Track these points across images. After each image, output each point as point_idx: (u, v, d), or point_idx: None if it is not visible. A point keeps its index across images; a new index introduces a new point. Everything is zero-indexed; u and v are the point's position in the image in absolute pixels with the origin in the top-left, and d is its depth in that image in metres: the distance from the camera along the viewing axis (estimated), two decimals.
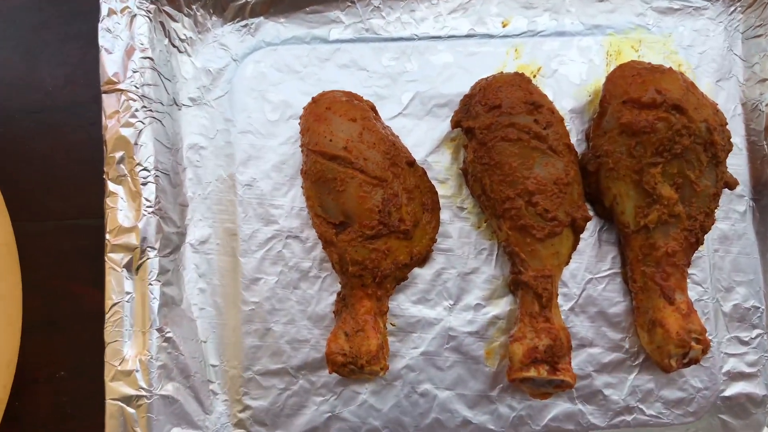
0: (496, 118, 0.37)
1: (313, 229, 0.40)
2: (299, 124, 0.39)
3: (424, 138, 0.41)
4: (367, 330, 0.37)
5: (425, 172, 0.40)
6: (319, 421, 0.39)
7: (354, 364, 0.36)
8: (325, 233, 0.37)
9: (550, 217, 0.37)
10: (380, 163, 0.36)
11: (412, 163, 0.38)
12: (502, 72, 0.40)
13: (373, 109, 0.39)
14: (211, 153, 0.41)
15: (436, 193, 0.40)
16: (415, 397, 0.39)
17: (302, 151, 0.38)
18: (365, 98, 0.40)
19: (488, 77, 0.39)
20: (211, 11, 0.41)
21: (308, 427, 0.39)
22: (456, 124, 0.39)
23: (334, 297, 0.40)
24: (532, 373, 0.36)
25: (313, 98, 0.39)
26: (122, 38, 0.38)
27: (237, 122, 0.41)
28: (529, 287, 0.37)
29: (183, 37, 0.41)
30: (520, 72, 0.40)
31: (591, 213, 0.40)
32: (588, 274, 0.41)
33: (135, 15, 0.39)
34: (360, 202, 0.36)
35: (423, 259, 0.40)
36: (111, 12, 0.39)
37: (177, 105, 0.41)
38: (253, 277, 0.40)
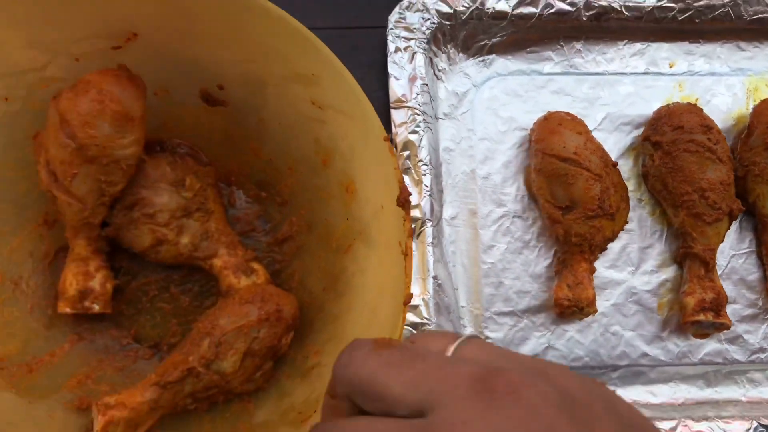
0: (680, 135, 0.52)
1: (531, 211, 0.55)
2: (529, 134, 0.54)
3: (613, 148, 0.56)
4: (585, 283, 0.52)
5: (620, 173, 0.55)
6: (539, 350, 0.54)
7: (576, 306, 0.51)
8: (553, 214, 0.52)
9: (717, 207, 0.52)
10: (599, 164, 0.51)
11: (615, 165, 0.53)
12: (678, 102, 0.55)
13: (585, 125, 0.54)
14: (458, 154, 0.56)
15: (627, 188, 0.55)
16: (608, 335, 0.54)
17: (535, 154, 0.53)
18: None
19: (670, 105, 0.54)
20: (459, 49, 0.56)
21: (531, 353, 0.54)
22: (646, 138, 0.54)
23: (548, 261, 0.55)
24: (701, 317, 0.51)
25: (545, 116, 0.53)
26: (406, 69, 0.53)
27: (476, 131, 0.56)
28: (698, 257, 0.52)
29: (440, 68, 0.56)
30: (693, 103, 0.55)
31: None
32: (732, 250, 0.56)
33: (415, 52, 0.54)
34: (585, 191, 0.51)
35: (616, 236, 0.55)
36: (397, 49, 0.54)
37: (436, 118, 0.56)
38: (489, 244, 0.55)
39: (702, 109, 0.53)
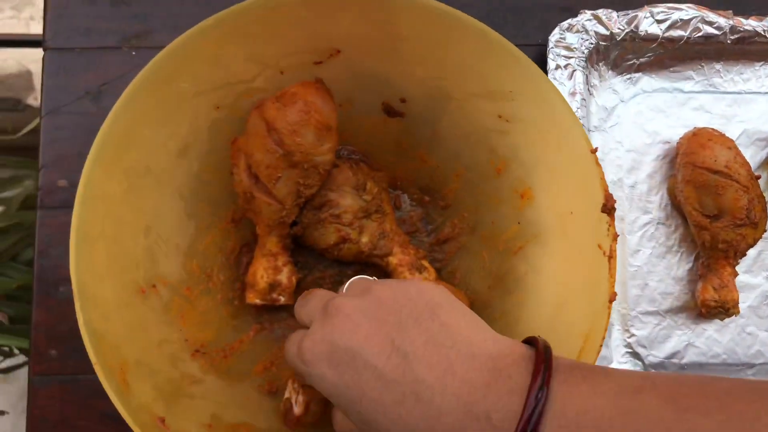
0: None
1: (674, 219, 0.60)
2: (677, 147, 0.59)
3: (749, 161, 0.60)
4: (730, 286, 0.56)
5: (759, 185, 0.59)
6: (680, 347, 0.58)
7: (722, 308, 0.56)
8: (701, 222, 0.57)
9: None
10: (746, 177, 0.55)
11: (758, 177, 0.58)
12: None
13: (732, 141, 0.59)
14: (607, 163, 0.60)
15: (766, 200, 0.59)
16: (744, 335, 0.59)
17: (684, 165, 0.57)
18: None
19: None
20: (610, 67, 0.61)
21: (673, 350, 0.58)
22: None
23: (689, 265, 0.59)
24: None
25: (693, 132, 0.58)
26: (566, 84, 0.58)
27: (624, 143, 0.61)
28: None
29: (593, 84, 0.60)
30: None
31: None
32: None
33: (575, 70, 0.58)
34: (734, 202, 0.55)
35: (756, 243, 0.59)
36: (558, 67, 0.58)
37: (588, 131, 0.60)
38: (635, 248, 0.59)
39: None
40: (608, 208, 0.44)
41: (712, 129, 0.58)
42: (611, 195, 0.44)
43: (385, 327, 0.34)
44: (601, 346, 0.43)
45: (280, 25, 0.48)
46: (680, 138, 0.59)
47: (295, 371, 0.41)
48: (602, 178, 0.45)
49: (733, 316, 0.57)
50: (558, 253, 0.50)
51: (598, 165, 0.45)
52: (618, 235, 0.44)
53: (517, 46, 0.62)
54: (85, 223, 0.44)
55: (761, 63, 0.62)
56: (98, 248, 0.45)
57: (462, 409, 0.30)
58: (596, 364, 0.55)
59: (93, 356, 0.42)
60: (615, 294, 0.43)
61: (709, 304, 0.56)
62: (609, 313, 0.43)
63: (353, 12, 0.48)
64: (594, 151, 0.45)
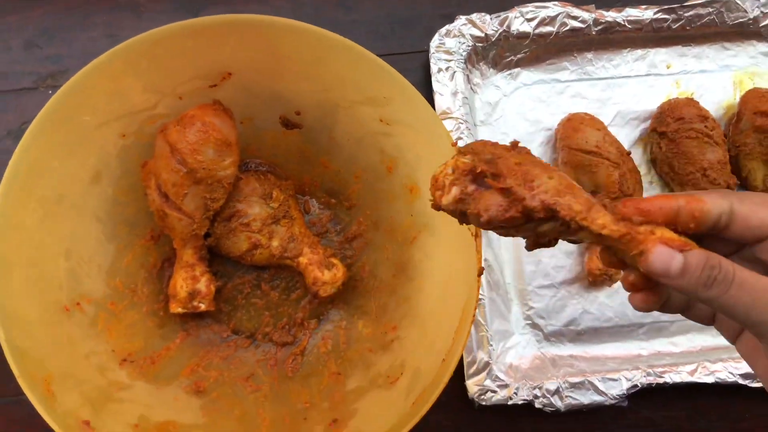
0: (681, 125, 0.62)
1: None
2: (555, 133, 0.64)
3: (624, 140, 0.66)
4: None
5: (633, 160, 0.65)
6: (576, 314, 0.64)
7: (606, 275, 0.61)
8: None
9: (716, 183, 0.62)
10: (616, 154, 0.61)
11: (628, 154, 0.63)
12: (679, 97, 0.65)
13: (602, 123, 0.65)
14: None
15: (640, 173, 0.65)
16: None
17: (561, 149, 0.63)
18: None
19: (671, 100, 0.64)
20: (490, 65, 0.66)
21: (569, 318, 0.63)
22: (653, 129, 0.65)
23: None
24: None
25: (568, 117, 0.63)
26: (448, 86, 0.63)
27: (510, 133, 0.66)
28: None
29: (475, 83, 0.66)
30: (689, 97, 0.65)
31: None
32: None
33: (455, 71, 0.64)
34: (607, 177, 0.60)
35: None
36: (440, 70, 0.63)
37: (475, 125, 0.65)
38: None
39: (698, 102, 0.64)
40: None
41: (584, 113, 0.64)
42: None
43: None
44: (474, 314, 0.48)
45: (169, 56, 0.53)
46: (558, 124, 0.64)
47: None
48: None
49: (617, 282, 0.63)
50: (444, 239, 0.55)
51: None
52: None
53: (404, 54, 0.68)
54: (1, 251, 0.49)
55: (628, 50, 0.68)
56: (16, 273, 0.50)
57: None
58: (497, 338, 0.61)
59: (15, 370, 0.46)
60: (482, 268, 0.49)
61: (594, 273, 0.62)
62: (479, 285, 0.48)
63: (236, 39, 0.53)
64: (455, 144, 0.50)
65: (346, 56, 0.53)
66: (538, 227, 0.35)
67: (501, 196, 0.34)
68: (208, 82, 0.57)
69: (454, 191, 0.37)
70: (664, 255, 0.31)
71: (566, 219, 0.33)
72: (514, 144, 0.37)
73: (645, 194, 0.65)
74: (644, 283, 0.35)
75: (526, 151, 0.37)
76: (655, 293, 0.35)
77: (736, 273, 0.31)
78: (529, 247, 0.37)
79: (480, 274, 0.48)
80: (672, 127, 0.62)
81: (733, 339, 0.37)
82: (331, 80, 0.55)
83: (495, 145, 0.37)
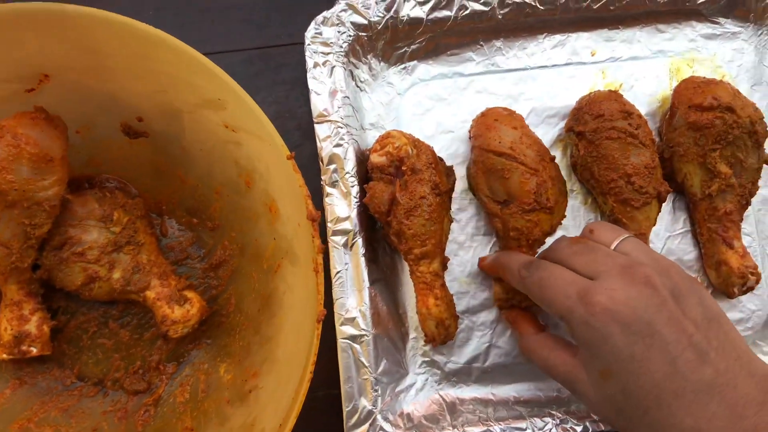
0: (601, 124, 0.52)
1: (465, 212, 0.55)
2: (469, 131, 0.54)
3: (542, 139, 0.56)
4: None
5: (558, 167, 0.55)
6: (482, 349, 0.54)
7: (514, 300, 0.51)
8: (492, 208, 0.52)
9: (643, 192, 0.52)
10: (534, 159, 0.51)
11: (552, 159, 0.53)
12: (599, 90, 0.55)
13: (522, 119, 0.54)
14: None
15: (565, 182, 0.55)
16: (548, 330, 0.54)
17: (473, 150, 0.53)
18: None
19: (590, 94, 0.54)
20: (380, 59, 0.57)
21: (474, 354, 0.54)
22: (569, 129, 0.55)
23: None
24: None
25: (482, 113, 0.53)
26: (326, 83, 0.53)
27: None
28: None
29: (363, 79, 0.56)
30: (613, 89, 0.55)
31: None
32: (667, 232, 0.56)
33: (334, 66, 0.54)
34: (521, 186, 0.50)
35: (555, 230, 0.54)
36: (316, 64, 0.54)
37: (363, 129, 0.56)
38: None
39: (621, 95, 0.54)
40: (309, 217, 0.40)
41: (503, 108, 0.54)
42: (312, 204, 0.40)
43: (685, 319, 0.37)
44: (310, 372, 0.38)
45: None
46: (473, 120, 0.54)
47: (547, 305, 0.42)
48: (301, 186, 0.41)
49: (530, 309, 0.53)
50: (304, 269, 0.46)
51: (297, 171, 0.41)
52: (324, 247, 0.39)
53: (282, 46, 0.58)
54: None
55: (544, 35, 0.58)
56: None
57: (733, 419, 0.34)
58: (386, 380, 0.51)
59: None
60: (323, 312, 0.39)
61: (501, 298, 0.52)
62: (318, 335, 0.39)
63: (43, 33, 0.44)
64: (290, 157, 0.40)
65: (172, 54, 0.43)
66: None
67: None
68: (22, 85, 0.47)
69: (383, 160, 0.50)
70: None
71: None
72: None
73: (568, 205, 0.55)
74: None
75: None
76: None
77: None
78: None
79: (319, 320, 0.39)
80: (590, 126, 0.52)
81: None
82: (165, 81, 0.46)
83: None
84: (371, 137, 0.56)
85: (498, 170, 0.51)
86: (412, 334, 0.54)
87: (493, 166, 0.51)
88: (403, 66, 0.57)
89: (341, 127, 0.53)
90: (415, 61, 0.57)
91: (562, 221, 0.54)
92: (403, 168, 0.50)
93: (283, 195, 0.45)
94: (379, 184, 0.51)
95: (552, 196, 0.52)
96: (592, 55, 0.58)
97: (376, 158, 0.50)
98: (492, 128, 0.52)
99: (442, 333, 0.51)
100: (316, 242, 0.40)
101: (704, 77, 0.54)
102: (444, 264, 0.52)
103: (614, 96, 0.53)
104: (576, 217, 0.56)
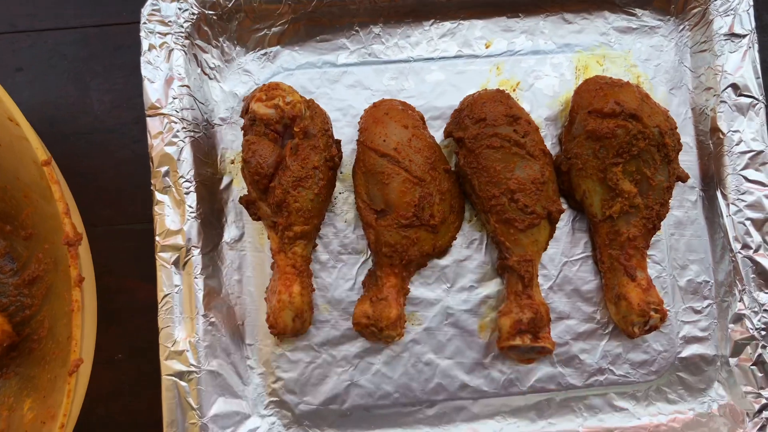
0: (482, 129, 0.44)
1: (330, 227, 0.47)
2: (359, 123, 0.46)
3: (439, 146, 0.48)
4: (389, 300, 0.44)
5: (456, 180, 0.46)
6: (341, 389, 0.46)
7: (375, 326, 0.44)
8: (366, 216, 0.44)
9: (529, 211, 0.44)
10: (422, 166, 0.43)
11: (448, 170, 0.45)
12: (485, 89, 0.47)
13: (422, 119, 0.46)
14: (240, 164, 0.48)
15: (464, 199, 0.47)
16: (421, 366, 0.47)
17: (359, 146, 0.45)
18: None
19: (474, 93, 0.46)
20: (236, 42, 0.48)
21: (331, 393, 0.46)
22: (448, 134, 0.46)
23: (349, 284, 0.47)
24: (517, 341, 0.44)
25: (374, 103, 0.45)
26: (162, 69, 0.45)
27: None
28: (514, 270, 0.45)
29: (212, 65, 0.48)
30: (501, 89, 0.47)
31: (565, 206, 0.47)
32: (564, 257, 0.48)
33: (172, 49, 0.45)
34: (400, 195, 0.43)
35: (442, 252, 0.47)
36: (151, 47, 0.45)
37: (210, 124, 0.47)
38: None
39: (509, 96, 0.45)
40: (65, 241, 0.32)
41: (399, 101, 0.46)
42: (71, 223, 0.32)
43: None
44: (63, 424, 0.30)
45: None
46: (364, 110, 0.46)
47: None
48: (59, 200, 0.32)
49: (394, 341, 0.45)
50: (65, 303, 0.38)
51: (54, 181, 0.32)
52: (83, 279, 0.31)
53: (121, 25, 0.50)
54: None
55: (431, 22, 0.49)
56: None
57: None
58: (220, 425, 0.43)
59: None
60: (78, 361, 0.31)
61: (360, 321, 0.44)
62: (69, 390, 0.31)
63: None
64: (46, 163, 0.32)
65: None
66: None
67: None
68: None
69: (272, 113, 0.43)
70: None
71: None
72: None
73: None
74: None
75: None
76: None
77: None
78: None
79: (71, 371, 0.31)
80: (471, 132, 0.44)
81: None
82: None
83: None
84: (223, 134, 0.48)
85: (378, 173, 0.43)
86: (257, 370, 0.46)
87: (374, 168, 0.43)
88: (263, 52, 0.49)
89: (176, 122, 0.44)
90: (278, 47, 0.49)
91: (453, 242, 0.47)
92: (296, 129, 0.42)
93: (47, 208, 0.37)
94: (263, 140, 0.43)
95: (438, 212, 0.44)
96: (487, 47, 0.49)
97: (262, 108, 0.42)
98: (380, 123, 0.44)
99: (297, 327, 0.43)
100: (73, 273, 0.31)
101: (610, 77, 0.46)
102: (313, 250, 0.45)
103: (500, 97, 0.45)
104: (459, 236, 0.48)
